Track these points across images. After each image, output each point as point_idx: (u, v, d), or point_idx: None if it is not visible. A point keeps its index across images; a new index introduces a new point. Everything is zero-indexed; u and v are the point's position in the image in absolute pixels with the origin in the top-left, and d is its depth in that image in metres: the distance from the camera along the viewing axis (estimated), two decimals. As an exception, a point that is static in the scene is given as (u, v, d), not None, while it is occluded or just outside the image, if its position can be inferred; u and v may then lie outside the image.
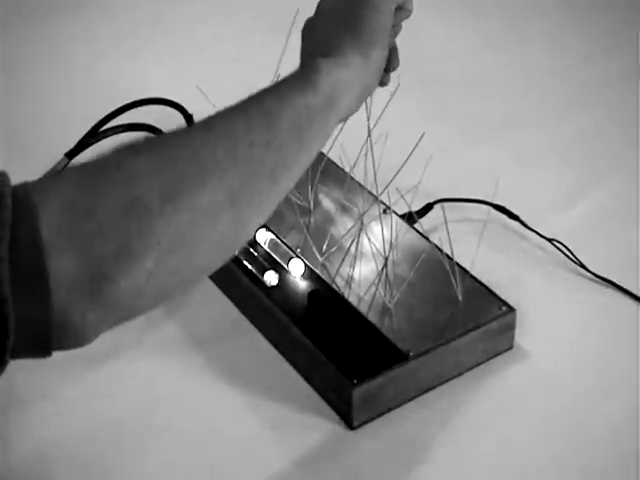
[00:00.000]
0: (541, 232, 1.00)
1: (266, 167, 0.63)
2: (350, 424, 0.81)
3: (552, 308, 0.93)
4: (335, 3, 0.75)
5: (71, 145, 0.91)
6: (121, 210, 0.56)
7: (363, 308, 0.86)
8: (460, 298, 0.87)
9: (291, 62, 0.98)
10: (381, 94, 0.86)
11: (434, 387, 0.84)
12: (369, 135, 0.86)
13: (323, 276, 0.89)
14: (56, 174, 0.60)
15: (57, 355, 0.60)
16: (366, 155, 0.88)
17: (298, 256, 0.91)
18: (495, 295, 0.87)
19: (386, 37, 0.74)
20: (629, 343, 0.89)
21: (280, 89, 0.67)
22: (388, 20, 0.74)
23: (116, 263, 0.55)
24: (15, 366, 0.62)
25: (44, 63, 1.36)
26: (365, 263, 0.91)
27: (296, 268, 0.90)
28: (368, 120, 0.85)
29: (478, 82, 1.31)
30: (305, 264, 0.90)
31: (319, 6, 0.77)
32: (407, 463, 0.78)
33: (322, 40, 0.73)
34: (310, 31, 0.76)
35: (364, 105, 0.85)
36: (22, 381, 0.82)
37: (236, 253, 0.90)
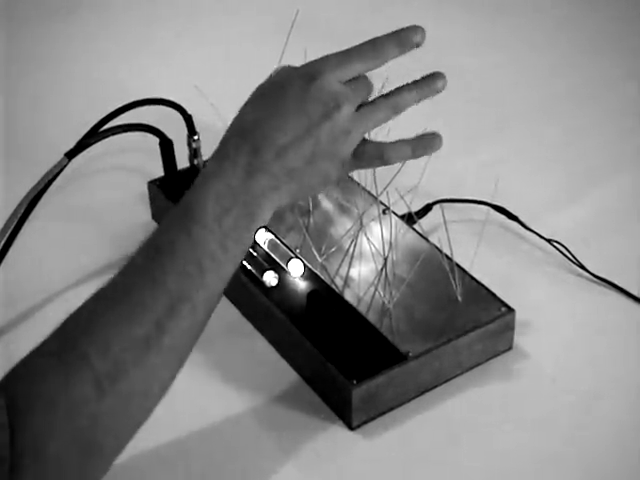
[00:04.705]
0: (540, 232, 1.00)
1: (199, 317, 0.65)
2: (349, 424, 0.81)
3: (551, 309, 0.93)
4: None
5: (71, 145, 0.91)
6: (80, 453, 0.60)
7: (362, 308, 0.86)
8: (459, 298, 0.87)
9: (290, 62, 0.99)
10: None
11: (433, 387, 0.84)
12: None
13: (322, 276, 0.89)
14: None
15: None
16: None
17: (297, 256, 0.91)
18: (494, 296, 0.87)
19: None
20: (629, 343, 0.89)
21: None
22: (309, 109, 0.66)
23: None
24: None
25: (44, 63, 1.37)
26: (364, 263, 0.91)
27: (295, 268, 0.90)
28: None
29: (477, 81, 1.31)
30: (304, 264, 0.90)
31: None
32: (406, 463, 0.79)
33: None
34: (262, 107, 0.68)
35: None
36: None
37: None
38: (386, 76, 0.90)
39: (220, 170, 0.65)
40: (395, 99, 0.71)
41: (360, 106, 0.70)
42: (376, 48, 0.69)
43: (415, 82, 0.72)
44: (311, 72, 0.67)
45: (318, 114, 0.66)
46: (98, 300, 0.63)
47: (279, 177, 0.66)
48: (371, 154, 0.71)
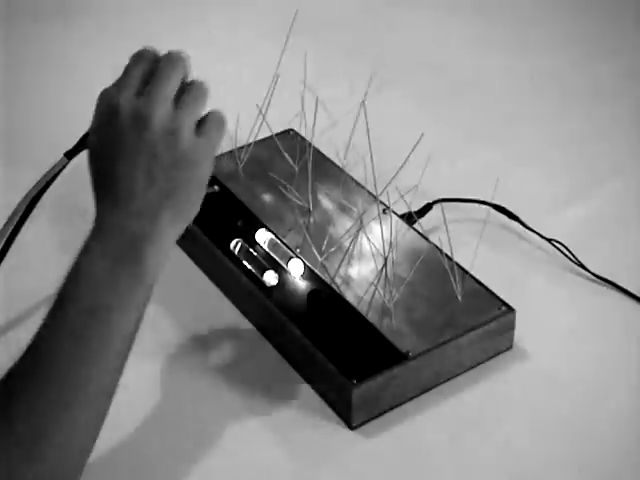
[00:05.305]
0: (541, 232, 1.00)
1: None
2: (349, 424, 0.81)
3: (551, 308, 0.93)
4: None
5: (71, 145, 0.91)
6: None
7: (363, 308, 0.86)
8: (459, 298, 0.87)
9: (290, 62, 0.99)
10: (380, 97, 0.86)
11: (433, 387, 0.84)
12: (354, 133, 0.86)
13: (323, 276, 0.89)
14: None
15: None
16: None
17: (298, 256, 0.91)
18: (494, 295, 0.87)
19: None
20: (629, 343, 0.89)
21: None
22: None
23: None
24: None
25: (44, 63, 1.36)
26: (365, 263, 0.91)
27: (296, 268, 0.90)
28: (365, 117, 0.86)
29: (478, 82, 1.31)
30: (305, 264, 0.90)
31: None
32: (406, 463, 0.79)
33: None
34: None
35: (362, 107, 0.85)
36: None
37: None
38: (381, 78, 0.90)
39: (97, 233, 0.67)
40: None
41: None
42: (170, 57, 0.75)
43: None
44: (140, 115, 0.69)
45: (164, 154, 0.67)
46: (21, 366, 0.65)
47: (148, 216, 0.67)
48: (216, 131, 0.71)
